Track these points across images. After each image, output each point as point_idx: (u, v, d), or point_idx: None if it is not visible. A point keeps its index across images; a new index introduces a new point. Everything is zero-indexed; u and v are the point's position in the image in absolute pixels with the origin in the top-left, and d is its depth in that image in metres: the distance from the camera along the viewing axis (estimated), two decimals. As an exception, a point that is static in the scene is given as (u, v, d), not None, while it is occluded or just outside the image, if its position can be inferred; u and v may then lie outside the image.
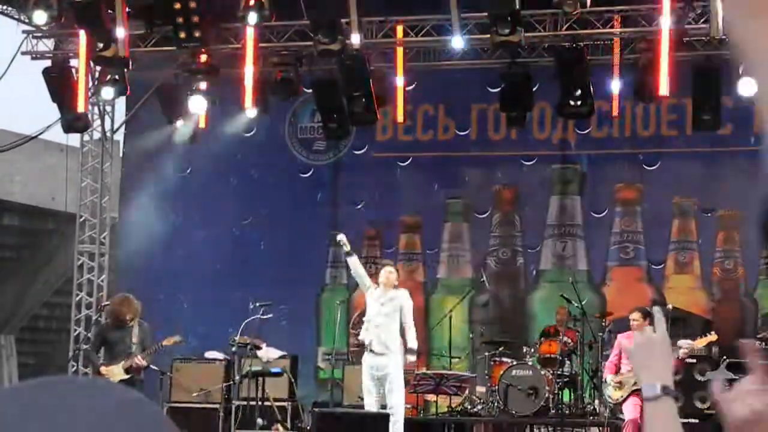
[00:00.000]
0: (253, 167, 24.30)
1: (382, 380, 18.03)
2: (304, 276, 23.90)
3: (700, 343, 18.10)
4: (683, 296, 22.56)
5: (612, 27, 21.60)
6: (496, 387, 19.04)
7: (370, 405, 18.15)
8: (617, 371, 17.92)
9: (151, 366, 20.47)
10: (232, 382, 20.05)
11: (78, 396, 1.89)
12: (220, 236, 23.98)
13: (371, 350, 18.19)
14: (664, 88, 20.51)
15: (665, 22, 20.37)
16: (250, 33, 21.69)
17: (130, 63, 22.98)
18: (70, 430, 1.76)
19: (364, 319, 18.98)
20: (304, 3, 21.10)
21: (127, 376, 18.34)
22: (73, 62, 22.66)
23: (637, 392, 17.73)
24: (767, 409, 3.70)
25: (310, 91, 22.80)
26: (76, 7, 21.71)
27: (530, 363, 19.20)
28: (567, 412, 18.94)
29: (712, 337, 18.05)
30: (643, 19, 21.18)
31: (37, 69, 22.86)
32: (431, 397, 20.17)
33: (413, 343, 18.35)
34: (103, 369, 18.74)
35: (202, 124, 23.51)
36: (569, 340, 19.65)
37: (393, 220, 24.33)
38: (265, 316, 20.27)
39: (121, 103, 25.07)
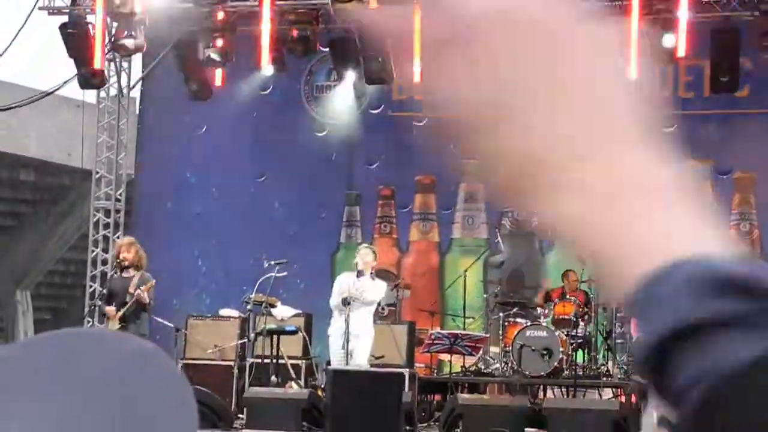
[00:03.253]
0: (269, 126, 24.28)
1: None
2: (319, 235, 23.89)
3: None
4: (698, 257, 22.53)
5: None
6: (510, 347, 19.05)
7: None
8: None
9: (164, 322, 20.61)
10: (246, 340, 20.08)
11: (96, 345, 1.90)
12: (235, 194, 23.98)
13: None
14: (682, 50, 20.47)
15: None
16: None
17: (147, 19, 22.98)
18: (89, 376, 1.76)
19: None
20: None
21: (119, 325, 18.66)
22: (89, 18, 22.63)
23: None
24: None
25: (327, 49, 22.78)
26: (93, -37, 21.75)
27: (544, 324, 19.19)
28: (581, 373, 18.94)
29: None
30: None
31: (54, 24, 22.88)
32: (445, 357, 20.17)
33: None
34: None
35: (218, 82, 23.51)
36: (581, 302, 19.67)
37: (408, 180, 24.31)
38: (280, 275, 20.29)
39: (137, 59, 25.07)
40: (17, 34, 22.72)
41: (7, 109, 23.95)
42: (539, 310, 20.05)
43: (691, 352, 1.15)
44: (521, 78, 1.25)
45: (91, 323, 23.14)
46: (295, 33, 22.88)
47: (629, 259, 1.22)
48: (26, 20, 23.12)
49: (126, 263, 19.69)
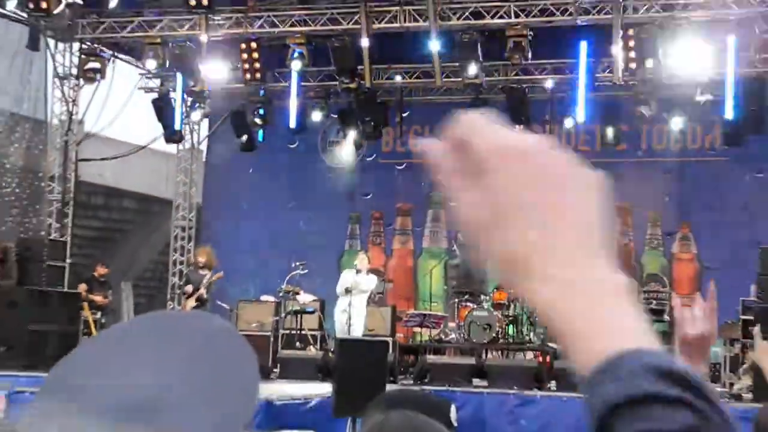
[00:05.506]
0: (296, 168, 24.23)
1: None
2: (329, 244, 23.85)
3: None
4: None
5: (545, 74, 21.53)
6: (462, 323, 19.00)
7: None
8: None
9: (222, 304, 20.60)
10: (279, 317, 20.03)
11: (190, 319, 1.95)
12: (272, 216, 23.93)
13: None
14: (580, 117, 20.46)
15: (582, 71, 20.30)
16: (294, 75, 21.64)
17: (211, 96, 22.99)
18: (185, 343, 1.77)
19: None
20: (332, 55, 21.05)
21: (195, 304, 18.89)
22: (172, 95, 22.61)
23: None
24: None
25: (336, 116, 22.78)
26: (175, 56, 21.70)
27: (486, 307, 19.14)
28: (511, 341, 18.91)
29: None
30: (567, 68, 21.11)
31: (148, 99, 22.86)
32: (417, 330, 20.16)
33: None
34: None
35: (260, 138, 23.49)
36: (514, 291, 19.63)
37: (392, 206, 24.29)
38: (302, 272, 20.31)
39: (204, 123, 25.08)
40: (123, 107, 22.71)
41: (118, 157, 23.93)
42: (482, 296, 19.99)
43: (631, 421, 1.09)
44: (518, 201, 1.21)
45: (172, 306, 23.12)
46: (314, 104, 22.93)
47: (580, 345, 1.18)
48: (130, 97, 23.11)
49: (200, 264, 19.81)
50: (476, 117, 1.31)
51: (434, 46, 20.24)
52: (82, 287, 20.39)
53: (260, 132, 23.51)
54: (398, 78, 22.27)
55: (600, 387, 1.13)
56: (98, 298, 20.30)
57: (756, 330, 15.29)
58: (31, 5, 18.46)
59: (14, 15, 19.97)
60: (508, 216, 1.22)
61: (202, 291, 19.43)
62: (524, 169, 1.23)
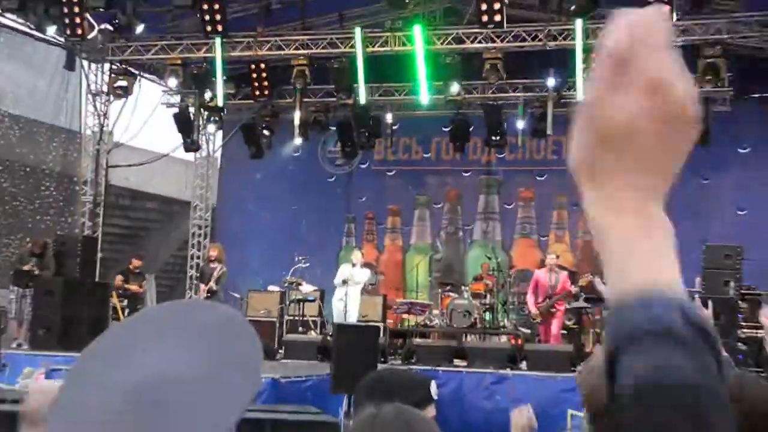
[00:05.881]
0: (299, 175, 24.24)
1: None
2: (329, 241, 23.86)
3: (583, 281, 17.88)
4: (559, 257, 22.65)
5: (518, 91, 21.56)
6: (445, 310, 19.01)
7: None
8: (536, 300, 17.94)
9: (234, 294, 20.61)
10: (284, 305, 20.02)
11: (203, 307, 1.98)
12: (278, 216, 23.93)
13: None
14: (549, 129, 20.49)
15: (551, 88, 20.33)
16: (298, 95, 21.64)
17: (225, 110, 22.97)
18: (197, 328, 1.80)
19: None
20: (331, 74, 21.06)
21: (206, 295, 18.94)
22: (190, 109, 22.61)
23: (552, 315, 17.82)
24: None
25: (334, 128, 22.78)
26: (193, 76, 21.70)
27: (465, 296, 19.16)
28: (487, 326, 18.92)
29: (588, 278, 17.84)
30: (537, 87, 21.13)
31: (169, 113, 22.85)
32: (405, 316, 20.15)
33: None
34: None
35: (267, 148, 23.50)
36: (490, 282, 19.62)
37: (383, 208, 24.30)
38: (304, 265, 20.29)
39: (219, 134, 25.06)
40: (147, 120, 22.73)
41: (143, 164, 23.89)
42: (462, 287, 20.01)
43: (640, 358, 1.07)
44: (635, 127, 1.17)
45: (190, 295, 23.07)
46: (314, 118, 22.91)
47: (619, 267, 1.17)
48: (153, 111, 23.13)
49: (212, 258, 19.81)
50: (660, 24, 1.21)
51: (421, 67, 20.25)
52: (119, 278, 20.53)
53: (267, 142, 23.51)
54: (389, 95, 22.28)
55: (631, 310, 1.11)
56: (133, 287, 20.36)
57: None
58: (68, 31, 18.46)
59: (53, 39, 19.98)
60: (615, 132, 1.19)
61: (212, 284, 19.51)
62: (661, 106, 1.18)
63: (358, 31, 20.07)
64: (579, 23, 18.21)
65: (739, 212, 20.80)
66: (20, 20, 19.48)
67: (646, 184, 1.19)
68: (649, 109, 1.17)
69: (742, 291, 16.90)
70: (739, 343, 14.13)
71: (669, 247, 1.18)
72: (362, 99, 21.14)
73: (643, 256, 1.15)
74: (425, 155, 24.25)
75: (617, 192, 1.18)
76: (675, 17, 16.69)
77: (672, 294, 1.11)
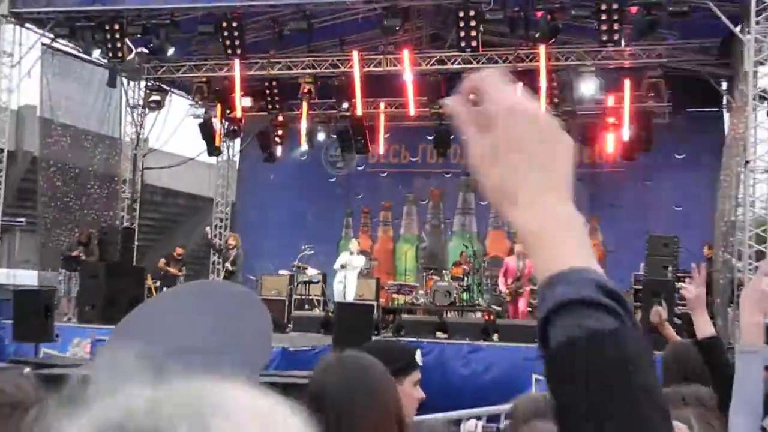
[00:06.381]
0: (305, 176, 24.19)
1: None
2: (330, 232, 23.80)
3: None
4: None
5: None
6: (429, 291, 19.01)
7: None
8: (506, 282, 17.96)
9: (250, 276, 20.61)
10: (292, 287, 20.01)
11: (221, 286, 1.97)
12: (288, 211, 23.87)
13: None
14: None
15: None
16: (304, 105, 21.63)
17: (242, 120, 22.95)
18: (217, 304, 1.81)
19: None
20: (333, 90, 21.06)
21: (225, 275, 19.32)
22: (213, 120, 22.59)
23: (519, 295, 17.83)
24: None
25: (335, 136, 22.76)
26: (216, 92, 21.71)
27: (446, 279, 19.15)
28: (465, 304, 18.92)
29: None
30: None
31: (195, 123, 22.82)
32: (395, 296, 20.16)
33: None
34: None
35: (279, 153, 23.47)
36: (467, 267, 19.62)
37: (377, 204, 24.28)
38: (309, 253, 20.33)
39: (237, 141, 25.01)
40: (177, 129, 22.74)
41: (173, 166, 23.88)
42: (443, 271, 20.01)
43: (568, 320, 1.10)
44: (517, 148, 1.21)
45: (212, 278, 23.05)
46: (319, 127, 22.91)
47: (544, 257, 1.18)
48: (181, 122, 23.14)
49: (230, 246, 19.87)
50: (489, 76, 1.29)
51: (410, 83, 20.26)
52: (162, 261, 20.92)
53: (279, 148, 23.49)
54: (382, 107, 22.26)
55: (554, 288, 1.13)
56: (173, 270, 20.56)
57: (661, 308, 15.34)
58: (111, 54, 18.45)
59: (98, 61, 19.98)
60: (508, 159, 1.21)
61: (228, 264, 19.84)
62: (526, 126, 1.22)
63: (355, 54, 20.07)
64: (542, 48, 18.22)
65: (676, 208, 20.84)
66: (71, 45, 19.47)
67: (550, 190, 1.21)
68: (517, 129, 1.21)
69: (678, 274, 16.98)
70: (676, 318, 14.14)
71: (582, 236, 1.21)
72: (359, 111, 21.16)
73: (562, 248, 1.18)
74: (413, 159, 24.23)
75: (530, 205, 1.20)
76: (623, 43, 16.68)
77: (588, 272, 1.14)
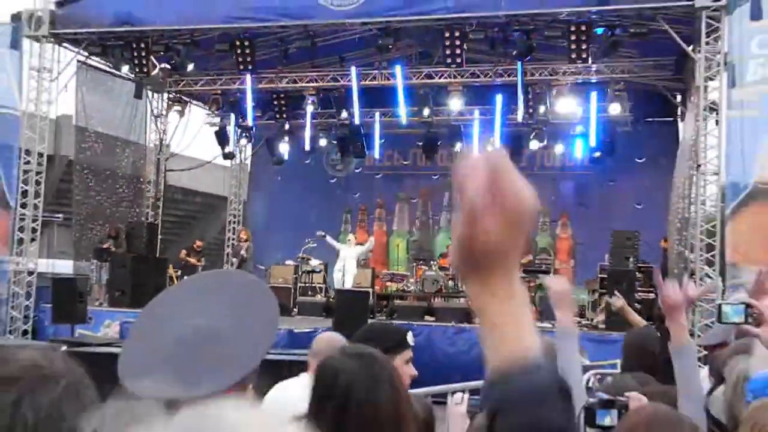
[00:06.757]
0: (309, 177, 24.15)
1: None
2: (331, 228, 23.61)
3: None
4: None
5: (472, 115, 21.51)
6: (418, 279, 19.01)
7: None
8: None
9: (260, 266, 20.58)
10: (297, 275, 20.00)
11: (234, 275, 1.97)
12: (293, 209, 23.81)
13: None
14: (497, 144, 20.44)
15: (498, 113, 20.29)
16: (308, 114, 21.63)
17: (253, 128, 22.91)
18: (233, 287, 1.81)
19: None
20: (334, 101, 21.04)
21: (237, 265, 19.48)
22: (227, 127, 22.53)
23: None
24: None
25: (335, 142, 22.72)
26: (230, 102, 21.70)
27: (434, 269, 19.16)
28: (450, 291, 18.91)
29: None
30: (487, 112, 21.07)
31: (212, 131, 22.76)
32: (389, 284, 20.16)
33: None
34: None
35: (286, 156, 23.44)
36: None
37: (373, 203, 24.25)
38: (313, 245, 20.29)
39: (249, 146, 24.94)
40: (195, 135, 22.70)
41: (192, 169, 23.84)
42: (431, 262, 20.00)
43: (519, 413, 1.06)
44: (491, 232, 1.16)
45: (227, 267, 23.02)
46: (321, 134, 22.87)
47: (496, 342, 1.16)
48: (199, 129, 23.10)
49: (242, 239, 19.89)
50: (506, 158, 1.19)
51: (401, 95, 20.26)
52: (184, 252, 21.21)
53: (285, 152, 23.44)
54: (377, 116, 22.23)
55: (506, 382, 1.10)
56: (193, 261, 20.84)
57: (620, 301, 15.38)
58: (137, 69, 18.42)
59: (126, 75, 19.97)
60: (488, 249, 1.16)
61: (243, 252, 20.09)
62: (522, 225, 1.17)
63: (353, 69, 20.05)
64: (519, 64, 18.23)
65: (637, 206, 20.87)
66: (102, 61, 19.46)
67: (509, 269, 1.18)
68: (514, 231, 1.16)
69: (639, 265, 17.06)
70: (636, 303, 14.18)
71: (527, 315, 1.17)
72: (356, 120, 21.16)
73: (515, 332, 1.15)
74: (404, 162, 24.21)
75: (494, 282, 1.17)
76: (590, 60, 16.70)
77: (535, 361, 1.10)
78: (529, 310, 1.19)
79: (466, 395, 3.88)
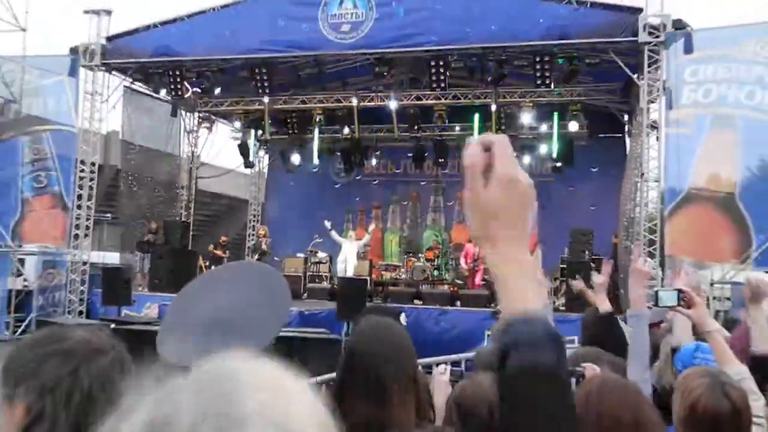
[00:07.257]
0: (317, 183, 24.10)
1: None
2: (335, 226, 23.71)
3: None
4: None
5: (454, 131, 21.51)
6: (409, 269, 19.02)
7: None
8: (466, 262, 17.98)
9: (276, 258, 20.54)
10: (306, 266, 20.00)
11: (254, 266, 1.97)
12: (303, 211, 23.73)
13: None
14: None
15: (476, 130, 20.29)
16: (316, 130, 21.59)
17: (271, 141, 22.84)
18: (254, 276, 1.82)
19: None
20: (338, 119, 21.01)
21: (258, 257, 19.07)
22: (249, 142, 22.51)
23: (476, 272, 17.81)
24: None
25: (339, 153, 22.69)
26: (250, 121, 21.66)
27: (422, 260, 19.15)
28: (436, 279, 18.92)
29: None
30: (467, 128, 21.05)
31: (235, 144, 22.72)
32: (384, 273, 20.15)
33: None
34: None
35: (297, 165, 23.37)
36: (437, 251, 19.61)
37: (370, 204, 24.20)
38: (319, 241, 20.28)
39: (266, 157, 24.91)
40: (221, 148, 22.72)
41: (218, 176, 23.81)
42: (420, 255, 20.00)
43: (523, 354, 1.11)
44: (501, 206, 1.23)
45: (248, 259, 22.99)
46: (327, 147, 22.82)
47: (507, 295, 1.19)
48: (225, 143, 23.10)
49: (261, 235, 19.85)
50: (503, 141, 1.27)
51: (394, 114, 20.26)
52: (211, 247, 21.23)
53: (297, 162, 23.39)
54: (374, 132, 22.21)
55: (515, 327, 1.14)
56: (219, 253, 20.78)
57: (579, 283, 15.39)
58: (173, 92, 18.43)
59: (164, 97, 19.97)
60: (495, 214, 1.23)
61: (264, 247, 19.73)
62: (516, 195, 1.24)
63: (354, 95, 20.07)
64: (494, 88, 18.26)
65: (591, 208, 20.89)
66: (144, 86, 19.50)
67: (517, 240, 1.23)
68: (509, 196, 1.23)
69: (593, 257, 17.09)
70: (591, 288, 14.19)
71: (534, 280, 1.22)
72: (357, 134, 21.16)
73: (520, 291, 1.19)
74: (396, 171, 24.18)
75: (503, 248, 1.22)
76: (552, 85, 16.72)
77: (537, 315, 1.16)
78: (533, 275, 1.23)
79: (449, 367, 3.92)
